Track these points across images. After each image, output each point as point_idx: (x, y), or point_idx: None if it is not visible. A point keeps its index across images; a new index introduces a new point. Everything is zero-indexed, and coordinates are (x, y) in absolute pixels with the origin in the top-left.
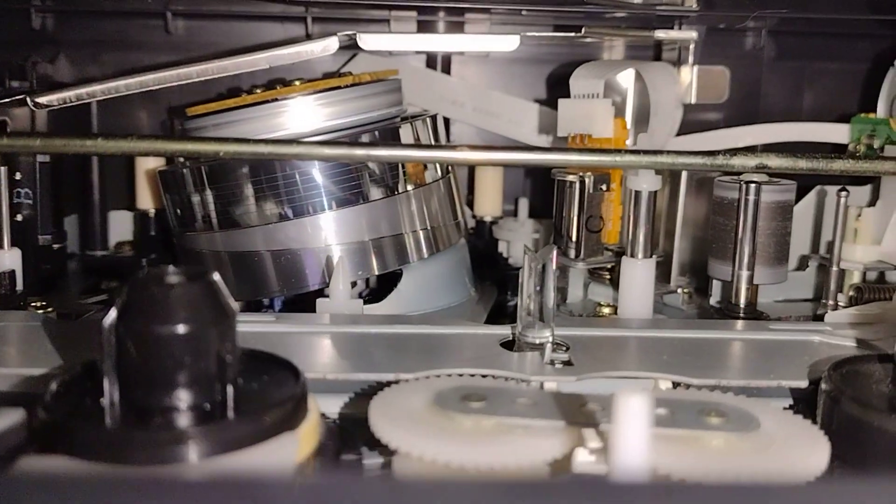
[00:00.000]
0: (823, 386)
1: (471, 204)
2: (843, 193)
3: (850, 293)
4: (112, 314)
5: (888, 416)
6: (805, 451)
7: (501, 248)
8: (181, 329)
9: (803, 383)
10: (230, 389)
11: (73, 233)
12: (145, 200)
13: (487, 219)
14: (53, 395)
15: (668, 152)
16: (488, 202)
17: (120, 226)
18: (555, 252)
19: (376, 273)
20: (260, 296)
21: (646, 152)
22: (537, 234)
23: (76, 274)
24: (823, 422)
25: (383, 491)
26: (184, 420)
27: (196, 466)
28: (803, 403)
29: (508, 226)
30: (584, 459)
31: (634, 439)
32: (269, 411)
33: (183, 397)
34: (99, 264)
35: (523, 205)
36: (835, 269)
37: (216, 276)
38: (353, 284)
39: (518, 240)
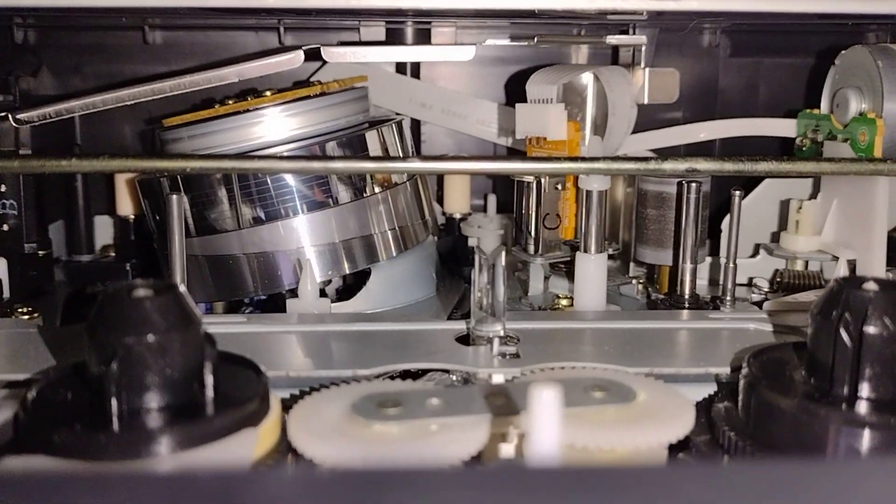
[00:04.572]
0: (743, 372)
1: (441, 201)
2: (738, 193)
3: (780, 279)
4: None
5: (796, 401)
6: (674, 416)
7: (472, 243)
8: (162, 337)
9: (727, 370)
10: (197, 390)
11: (59, 238)
12: (125, 207)
13: (457, 216)
14: (34, 400)
15: (605, 158)
16: (457, 200)
17: (105, 230)
18: (503, 252)
19: (346, 272)
20: (237, 296)
21: (584, 159)
22: (503, 230)
23: (62, 280)
24: (743, 405)
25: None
26: (156, 420)
27: (162, 463)
28: (728, 387)
29: (478, 222)
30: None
31: (548, 427)
32: (228, 410)
33: (157, 399)
34: (84, 269)
35: (492, 201)
36: (731, 265)
37: (182, 287)
38: (329, 282)
39: (487, 235)
